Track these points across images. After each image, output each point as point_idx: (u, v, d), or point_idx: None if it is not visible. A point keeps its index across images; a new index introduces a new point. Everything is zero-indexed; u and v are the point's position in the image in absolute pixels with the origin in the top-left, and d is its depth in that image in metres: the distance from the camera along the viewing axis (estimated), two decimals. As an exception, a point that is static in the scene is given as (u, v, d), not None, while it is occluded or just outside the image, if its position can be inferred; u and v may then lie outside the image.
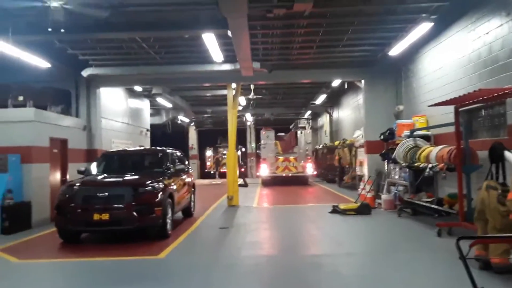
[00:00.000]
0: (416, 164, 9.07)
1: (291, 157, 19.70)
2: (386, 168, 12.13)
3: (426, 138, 10.21)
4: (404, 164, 9.82)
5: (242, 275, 5.74)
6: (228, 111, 13.29)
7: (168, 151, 9.91)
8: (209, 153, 35.25)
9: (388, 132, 11.58)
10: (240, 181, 24.73)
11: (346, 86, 17.33)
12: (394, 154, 10.23)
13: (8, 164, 9.30)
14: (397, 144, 11.45)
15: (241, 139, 35.16)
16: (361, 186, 13.11)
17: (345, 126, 21.47)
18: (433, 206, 8.63)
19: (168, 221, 8.20)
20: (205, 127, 35.09)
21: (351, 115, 20.09)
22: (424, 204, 8.99)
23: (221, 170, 32.55)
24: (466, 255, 2.80)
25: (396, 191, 11.12)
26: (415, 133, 10.15)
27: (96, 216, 7.44)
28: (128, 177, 8.33)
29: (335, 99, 22.39)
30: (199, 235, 8.79)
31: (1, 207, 8.99)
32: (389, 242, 7.79)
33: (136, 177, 8.32)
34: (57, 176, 11.16)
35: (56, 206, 7.80)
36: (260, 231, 9.38)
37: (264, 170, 20.03)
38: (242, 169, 33.30)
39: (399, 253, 6.82)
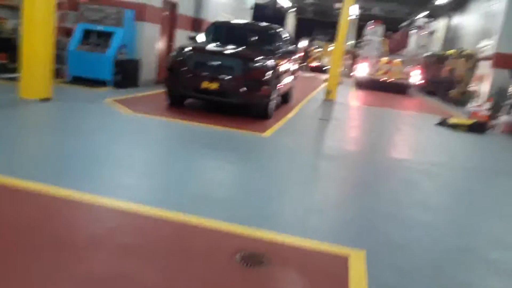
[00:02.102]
0: None
1: (397, 60, 17.63)
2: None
3: None
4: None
5: (342, 166, 5.46)
6: (344, -4, 12.07)
7: (280, 30, 9.35)
8: (304, 43, 33.86)
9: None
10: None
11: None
12: (534, 72, 8.80)
13: (124, 20, 9.37)
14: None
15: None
16: (476, 103, 11.84)
17: (465, 34, 19.05)
18: None
19: (273, 102, 8.00)
20: (305, 16, 33.35)
21: (476, 22, 17.62)
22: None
23: (310, 65, 31.09)
24: None
25: (521, 115, 9.84)
26: None
27: (205, 84, 7.39)
28: (239, 50, 8.01)
29: (459, 1, 19.62)
30: (300, 122, 8.56)
31: (114, 60, 9.29)
32: (505, 165, 6.98)
33: (248, 51, 7.98)
34: (165, 40, 11.21)
35: (168, 67, 7.82)
36: (362, 128, 8.95)
37: (363, 70, 18.22)
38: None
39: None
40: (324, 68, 31.38)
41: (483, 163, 6.99)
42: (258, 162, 5.17)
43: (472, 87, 14.21)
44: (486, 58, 12.90)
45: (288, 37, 10.04)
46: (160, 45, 10.89)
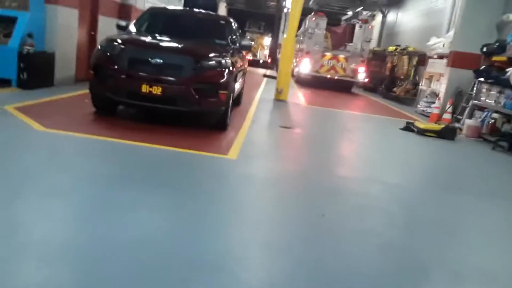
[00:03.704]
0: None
1: (341, 56, 16.74)
2: (475, 88, 10.12)
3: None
4: (521, 88, 7.83)
5: (353, 209, 4.15)
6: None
7: (231, 20, 7.81)
8: (236, 36, 32.44)
9: (496, 44, 9.33)
10: (269, 72, 22.59)
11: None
12: (508, 74, 8.15)
13: (30, 2, 7.24)
14: (499, 62, 9.41)
15: (272, 27, 32.12)
16: (435, 105, 11.25)
17: (404, 30, 18.81)
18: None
19: (230, 108, 6.48)
20: (236, 6, 31.86)
21: (416, 20, 17.37)
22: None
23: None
24: None
25: (486, 118, 9.26)
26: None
27: (144, 88, 5.65)
28: (187, 44, 6.33)
29: (398, -3, 19.39)
30: (262, 134, 7.13)
31: (18, 53, 7.15)
32: (497, 183, 6.10)
33: (199, 46, 6.34)
34: (85, 28, 9.14)
35: (93, 65, 5.93)
36: (332, 139, 7.73)
37: (305, 67, 17.01)
38: (269, 60, 31.07)
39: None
40: (260, 62, 30.33)
41: (470, 185, 6.06)
42: (241, 216, 3.62)
43: (421, 86, 13.73)
44: (439, 57, 12.39)
45: (238, 30, 8.52)
46: (80, 34, 8.82)
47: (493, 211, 4.61)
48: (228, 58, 6.20)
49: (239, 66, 7.18)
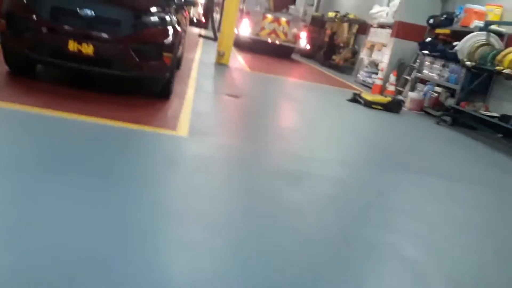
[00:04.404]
0: (497, 68, 7.04)
1: (283, 19, 16.02)
2: (417, 60, 10.11)
3: (498, 35, 8.12)
4: (468, 63, 7.80)
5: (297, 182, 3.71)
6: None
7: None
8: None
9: (444, 16, 9.26)
10: (204, 32, 21.38)
11: None
12: (457, 48, 8.08)
13: None
14: (443, 34, 9.40)
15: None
16: (378, 75, 11.15)
17: (344, -3, 18.54)
18: (502, 123, 6.96)
19: (173, 75, 5.69)
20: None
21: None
22: (485, 118, 7.28)
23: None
24: None
25: (431, 91, 9.28)
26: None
27: (72, 45, 4.68)
28: (124, -6, 5.34)
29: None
30: (209, 103, 6.41)
31: None
32: (449, 163, 6.03)
33: (139, -1, 5.39)
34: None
35: (6, 13, 4.76)
36: (283, 107, 7.25)
37: (245, 28, 16.17)
38: (203, 19, 29.52)
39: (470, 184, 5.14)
40: (194, 20, 28.72)
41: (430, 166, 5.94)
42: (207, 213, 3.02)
43: (361, 55, 13.62)
44: (380, 26, 12.25)
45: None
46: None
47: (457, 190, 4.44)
48: (173, 14, 5.36)
49: (183, 25, 6.33)
